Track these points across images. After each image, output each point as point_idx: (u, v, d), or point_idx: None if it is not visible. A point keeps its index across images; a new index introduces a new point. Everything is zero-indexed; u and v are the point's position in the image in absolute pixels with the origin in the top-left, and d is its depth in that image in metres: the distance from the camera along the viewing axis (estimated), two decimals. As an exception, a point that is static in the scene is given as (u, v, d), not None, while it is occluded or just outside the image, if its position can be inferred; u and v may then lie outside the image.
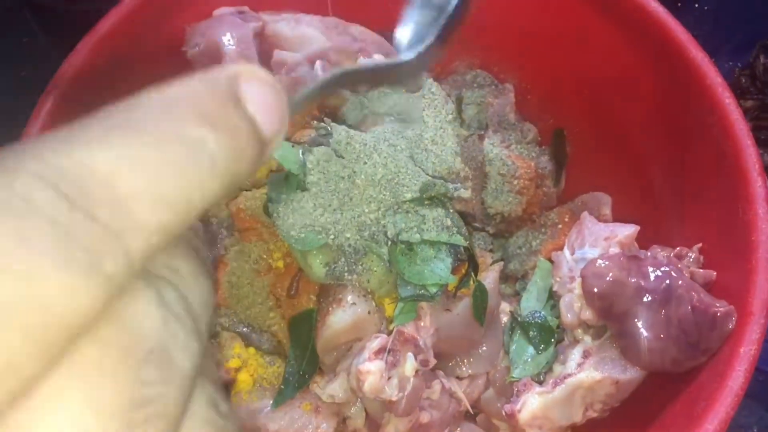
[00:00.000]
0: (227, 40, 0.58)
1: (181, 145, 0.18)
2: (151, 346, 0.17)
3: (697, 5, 0.82)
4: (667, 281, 0.51)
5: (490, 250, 0.61)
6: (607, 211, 0.64)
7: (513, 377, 0.55)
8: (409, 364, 0.46)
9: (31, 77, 0.82)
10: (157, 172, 0.17)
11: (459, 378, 0.55)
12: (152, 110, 0.19)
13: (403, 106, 0.57)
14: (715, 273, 0.53)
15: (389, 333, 0.48)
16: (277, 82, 0.21)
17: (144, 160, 0.17)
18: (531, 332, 0.56)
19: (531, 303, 0.58)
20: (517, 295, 0.60)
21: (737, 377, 0.46)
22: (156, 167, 0.17)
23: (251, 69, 0.21)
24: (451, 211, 0.51)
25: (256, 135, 0.20)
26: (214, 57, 0.59)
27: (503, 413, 0.54)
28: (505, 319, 0.58)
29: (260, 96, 0.20)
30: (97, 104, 0.57)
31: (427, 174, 0.52)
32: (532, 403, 0.52)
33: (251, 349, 0.53)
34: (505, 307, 0.58)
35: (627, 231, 0.54)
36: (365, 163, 0.50)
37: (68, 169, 0.16)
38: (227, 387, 0.52)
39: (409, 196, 0.49)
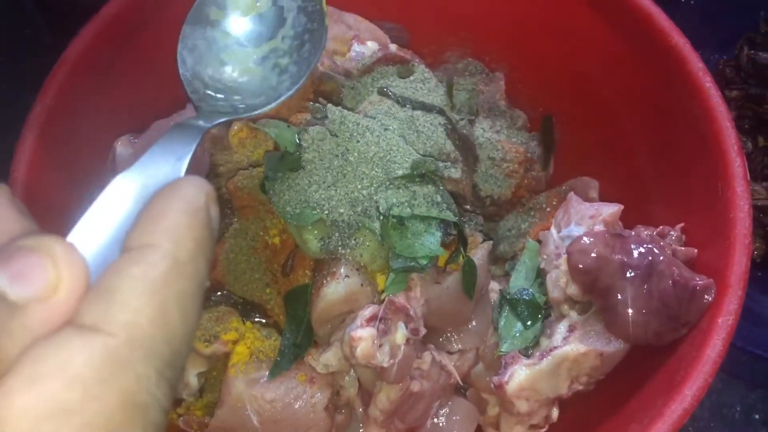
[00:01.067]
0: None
1: None
2: None
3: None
4: (649, 257, 0.52)
5: (481, 231, 0.62)
6: (594, 194, 0.66)
7: (501, 351, 0.56)
8: (400, 332, 0.48)
9: (33, 68, 0.84)
10: None
11: (449, 352, 0.57)
12: None
13: (396, 89, 0.59)
14: (696, 250, 0.55)
15: (381, 304, 0.50)
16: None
17: None
18: (519, 308, 0.57)
19: (519, 282, 0.60)
20: (506, 276, 0.62)
21: (715, 346, 0.48)
22: None
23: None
24: (441, 188, 0.53)
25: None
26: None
27: (492, 386, 0.56)
28: (494, 297, 0.59)
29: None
30: (98, 89, 0.59)
31: (418, 153, 0.54)
32: (519, 375, 0.54)
33: (248, 323, 0.55)
34: (495, 286, 0.60)
35: (611, 209, 0.56)
36: (358, 141, 0.52)
37: None
38: (225, 358, 0.54)
39: (400, 172, 0.51)
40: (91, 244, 0.26)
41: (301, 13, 0.44)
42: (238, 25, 0.44)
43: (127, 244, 0.25)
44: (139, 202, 0.27)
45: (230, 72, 0.42)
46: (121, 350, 0.22)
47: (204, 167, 0.58)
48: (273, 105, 0.41)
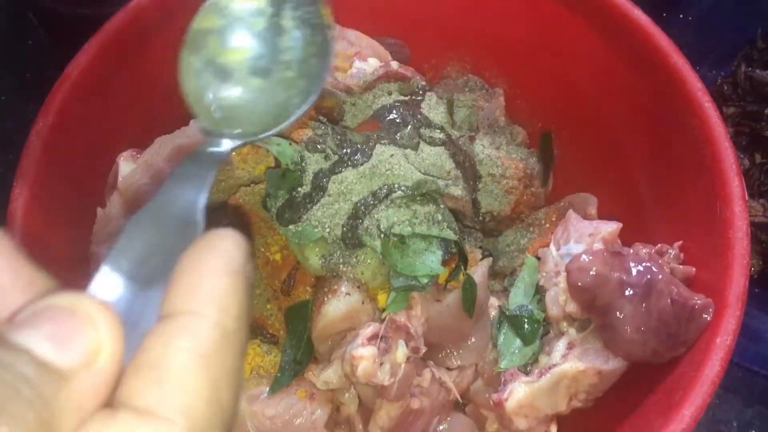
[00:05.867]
0: (228, 43, 0.60)
1: None
2: None
3: (681, 15, 0.85)
4: (648, 276, 0.53)
5: (480, 247, 0.63)
6: (593, 210, 0.66)
7: (500, 368, 0.57)
8: (401, 351, 0.48)
9: (35, 80, 0.84)
10: None
11: (449, 369, 0.57)
12: None
13: (397, 107, 0.59)
14: (694, 269, 0.56)
15: (381, 322, 0.50)
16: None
17: None
18: (518, 325, 0.58)
19: (518, 298, 0.61)
20: (505, 291, 0.63)
21: (713, 366, 0.48)
22: None
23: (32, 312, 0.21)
24: (443, 206, 0.53)
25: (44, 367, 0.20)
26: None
27: (491, 402, 0.56)
28: (493, 313, 0.60)
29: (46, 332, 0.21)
30: (102, 104, 0.59)
31: (420, 172, 0.54)
32: (518, 392, 0.54)
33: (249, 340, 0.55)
34: (494, 301, 0.61)
35: (610, 228, 0.57)
36: (359, 160, 0.52)
37: None
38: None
39: (401, 192, 0.51)
40: (117, 288, 0.25)
41: (304, 25, 0.43)
42: (239, 42, 0.42)
43: (166, 308, 0.23)
44: (161, 240, 0.26)
45: (235, 92, 0.41)
46: None
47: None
48: (287, 123, 0.39)
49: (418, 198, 0.52)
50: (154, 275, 0.25)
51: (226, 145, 0.36)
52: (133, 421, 0.20)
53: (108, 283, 0.25)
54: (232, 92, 0.40)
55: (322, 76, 0.41)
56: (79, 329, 0.21)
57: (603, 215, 0.66)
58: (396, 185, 0.51)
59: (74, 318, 0.21)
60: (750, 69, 0.81)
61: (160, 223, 0.27)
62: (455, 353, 0.57)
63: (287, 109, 0.40)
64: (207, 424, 0.21)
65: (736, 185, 0.54)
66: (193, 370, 0.21)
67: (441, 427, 0.57)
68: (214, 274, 0.24)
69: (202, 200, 0.29)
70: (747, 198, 0.73)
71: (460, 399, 0.57)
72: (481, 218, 0.65)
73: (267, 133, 0.39)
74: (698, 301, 0.52)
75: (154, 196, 0.28)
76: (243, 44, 0.42)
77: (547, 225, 0.66)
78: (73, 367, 0.20)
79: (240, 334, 0.24)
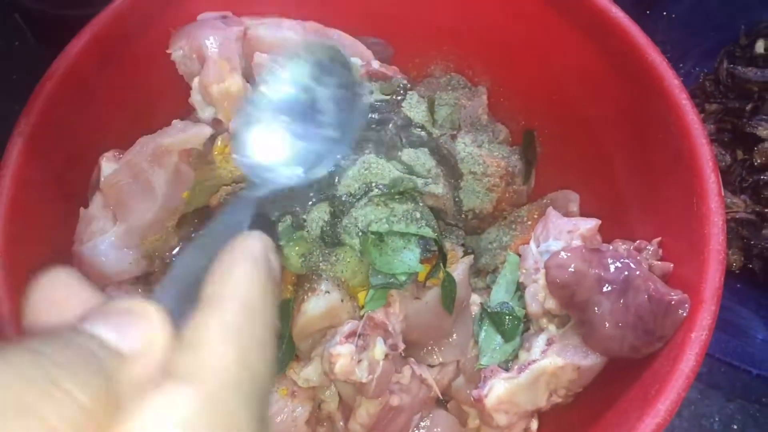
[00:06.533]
0: (210, 44, 0.61)
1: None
2: None
3: (665, 13, 0.85)
4: (626, 272, 0.53)
5: (463, 245, 0.63)
6: (574, 208, 0.67)
7: (481, 365, 0.57)
8: (379, 348, 0.49)
9: (22, 81, 0.84)
10: None
11: (430, 366, 0.58)
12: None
13: (377, 106, 0.60)
14: (672, 265, 0.56)
15: (361, 319, 0.50)
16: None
17: None
18: (499, 322, 0.58)
19: (500, 295, 0.61)
20: (488, 288, 0.63)
21: (689, 360, 0.49)
22: None
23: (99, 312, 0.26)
24: (421, 205, 0.54)
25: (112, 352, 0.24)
26: (197, 59, 0.62)
27: (472, 399, 0.56)
28: (475, 310, 0.60)
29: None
30: (84, 104, 0.60)
31: (398, 170, 0.54)
32: (498, 388, 0.55)
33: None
34: (476, 299, 0.61)
35: (588, 225, 0.57)
36: (339, 159, 0.53)
37: None
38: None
39: (377, 191, 0.51)
40: (173, 303, 0.29)
41: (337, 88, 0.50)
42: (284, 108, 0.49)
43: (203, 297, 0.27)
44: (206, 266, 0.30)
45: (282, 147, 0.47)
46: (218, 393, 0.24)
47: (188, 182, 0.58)
48: (322, 170, 0.46)
49: (396, 196, 0.52)
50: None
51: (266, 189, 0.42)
52: (174, 386, 0.24)
53: (166, 296, 0.30)
54: (279, 151, 0.47)
55: (355, 127, 0.49)
56: (137, 324, 0.26)
57: (585, 212, 0.67)
58: (374, 183, 0.51)
59: (133, 315, 0.26)
60: (732, 66, 0.82)
61: (207, 252, 0.31)
62: (436, 350, 0.58)
63: (327, 157, 0.47)
64: (238, 384, 0.25)
65: (712, 181, 0.54)
66: (222, 340, 0.25)
67: (423, 424, 0.57)
68: (240, 263, 0.28)
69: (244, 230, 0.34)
70: (725, 194, 0.73)
71: (440, 396, 0.57)
72: (463, 216, 0.65)
73: (301, 179, 0.45)
74: (675, 297, 0.52)
75: (205, 229, 0.34)
76: (288, 110, 0.49)
77: (530, 222, 0.67)
78: (133, 352, 0.25)
79: (265, 311, 0.28)
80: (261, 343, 0.27)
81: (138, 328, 0.25)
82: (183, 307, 0.28)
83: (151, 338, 0.25)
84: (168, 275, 0.31)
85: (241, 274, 0.28)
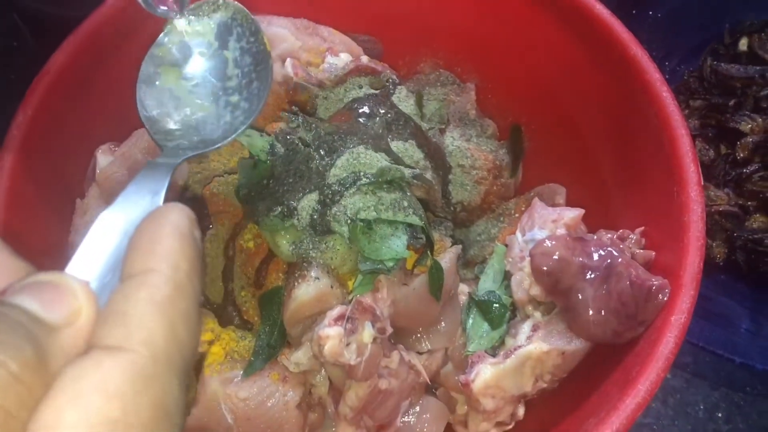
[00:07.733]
0: (203, 40, 0.62)
1: None
2: None
3: (651, 12, 0.87)
4: (608, 260, 0.55)
5: (452, 236, 0.65)
6: (561, 200, 0.68)
7: (469, 351, 0.59)
8: (367, 332, 0.50)
9: (20, 78, 0.85)
10: None
11: (419, 353, 0.59)
12: None
13: (367, 100, 0.61)
14: (653, 253, 0.58)
15: (349, 304, 0.52)
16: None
17: None
18: (486, 310, 0.60)
19: (487, 284, 0.62)
20: (476, 279, 0.64)
21: (668, 343, 0.50)
22: None
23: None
24: (409, 194, 0.55)
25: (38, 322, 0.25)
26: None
27: (459, 384, 0.58)
28: (463, 299, 0.61)
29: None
30: (80, 98, 0.62)
31: (387, 161, 0.56)
32: (485, 374, 0.56)
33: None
34: (464, 288, 0.62)
35: (572, 214, 0.59)
36: (328, 149, 0.54)
37: None
38: (200, 359, 0.55)
39: (366, 180, 0.53)
40: (89, 273, 0.29)
41: (245, 54, 0.48)
42: (190, 70, 0.48)
43: (126, 270, 0.27)
44: (125, 234, 0.30)
45: (187, 112, 0.46)
46: (147, 364, 0.25)
47: (182, 174, 0.60)
48: (230, 139, 0.45)
49: (384, 186, 0.53)
50: (118, 265, 0.29)
51: (179, 156, 0.41)
52: (104, 355, 0.24)
53: (82, 267, 0.29)
54: (185, 114, 0.46)
55: (263, 97, 0.47)
56: (62, 296, 0.26)
57: (571, 204, 0.68)
58: (362, 173, 0.53)
59: (57, 288, 0.26)
60: (715, 63, 0.83)
61: (123, 220, 0.31)
62: (425, 337, 0.59)
63: (233, 125, 0.45)
64: (166, 354, 0.25)
65: (692, 171, 0.56)
66: (150, 313, 0.26)
67: (412, 410, 0.58)
68: (164, 237, 0.28)
69: (160, 200, 0.34)
70: (709, 188, 0.75)
71: (429, 382, 0.58)
72: (452, 208, 0.67)
73: (215, 146, 0.44)
74: (655, 283, 0.54)
75: (114, 201, 0.33)
76: (194, 72, 0.47)
77: (517, 215, 0.68)
78: (59, 323, 0.25)
79: (191, 285, 0.28)
80: (188, 317, 0.27)
81: (62, 300, 0.26)
82: (105, 277, 0.29)
83: (76, 309, 0.26)
84: (84, 243, 0.30)
85: (168, 248, 0.28)
